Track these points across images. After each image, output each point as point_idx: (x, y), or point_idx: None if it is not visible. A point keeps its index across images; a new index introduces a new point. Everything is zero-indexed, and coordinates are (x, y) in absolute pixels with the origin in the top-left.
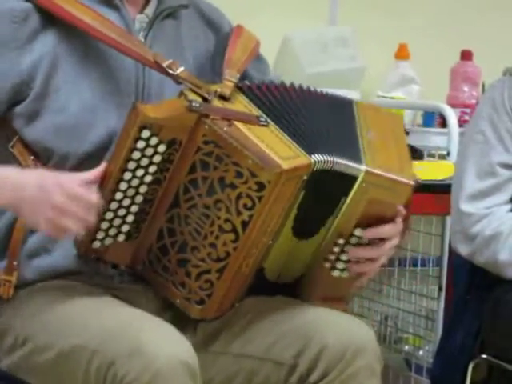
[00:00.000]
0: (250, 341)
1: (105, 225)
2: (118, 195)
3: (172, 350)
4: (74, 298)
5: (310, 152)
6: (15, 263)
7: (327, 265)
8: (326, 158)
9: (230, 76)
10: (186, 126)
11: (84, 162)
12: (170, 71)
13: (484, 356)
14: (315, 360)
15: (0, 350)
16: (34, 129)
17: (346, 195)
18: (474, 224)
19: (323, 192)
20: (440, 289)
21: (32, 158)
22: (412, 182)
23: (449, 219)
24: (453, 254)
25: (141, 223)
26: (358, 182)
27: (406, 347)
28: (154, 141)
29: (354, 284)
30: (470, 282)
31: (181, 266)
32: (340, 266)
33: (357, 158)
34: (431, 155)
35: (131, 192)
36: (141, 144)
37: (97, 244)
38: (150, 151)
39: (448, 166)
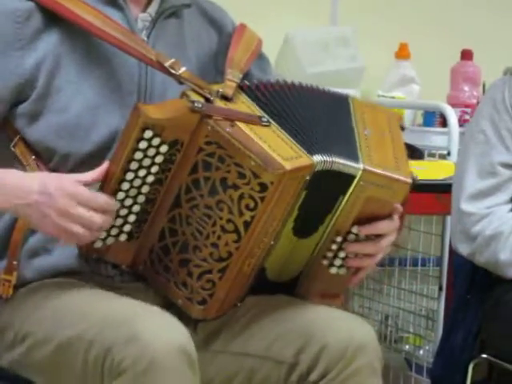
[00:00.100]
0: (251, 339)
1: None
2: (120, 195)
3: (169, 336)
4: (71, 291)
5: (312, 152)
6: (15, 263)
7: (325, 262)
8: (327, 159)
9: (233, 76)
10: (189, 127)
11: (85, 162)
12: (173, 71)
13: (484, 356)
14: (316, 358)
15: (1, 346)
16: (36, 128)
17: (344, 194)
18: (474, 224)
19: (322, 191)
20: (440, 288)
21: (33, 157)
22: (409, 180)
23: (449, 219)
24: (453, 253)
25: (142, 223)
26: (355, 181)
27: (407, 347)
28: (156, 141)
29: (351, 280)
30: (471, 281)
31: (182, 265)
32: (337, 262)
33: (354, 156)
34: (431, 155)
35: (133, 192)
36: (143, 144)
37: (98, 244)
38: (152, 151)
39: (448, 165)
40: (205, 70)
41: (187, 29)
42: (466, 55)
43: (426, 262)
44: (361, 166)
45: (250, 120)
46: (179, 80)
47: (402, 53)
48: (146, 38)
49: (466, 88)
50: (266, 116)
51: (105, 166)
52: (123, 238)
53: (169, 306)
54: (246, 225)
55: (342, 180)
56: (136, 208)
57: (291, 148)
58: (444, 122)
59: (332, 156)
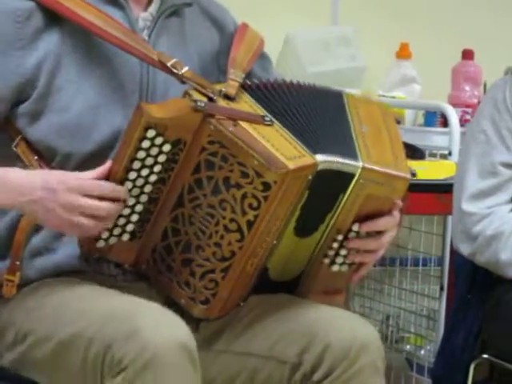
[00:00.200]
0: (253, 339)
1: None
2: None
3: (170, 332)
4: (71, 288)
5: (314, 151)
6: (18, 263)
7: (326, 261)
8: (328, 158)
9: (235, 75)
10: (191, 126)
11: (88, 162)
12: (175, 70)
13: (485, 356)
14: (319, 358)
15: (1, 346)
16: (38, 128)
17: (344, 192)
18: (475, 224)
19: (322, 190)
20: (441, 288)
21: (35, 157)
22: (408, 176)
23: (450, 219)
24: (454, 253)
25: (145, 223)
26: (355, 179)
27: (408, 347)
28: (158, 140)
29: (353, 276)
30: (472, 281)
31: (185, 265)
32: (339, 260)
33: (353, 154)
34: (433, 155)
35: (136, 191)
36: (146, 143)
37: (101, 243)
38: (154, 151)
39: (449, 165)
40: (207, 68)
41: (188, 27)
42: (467, 55)
43: (427, 262)
44: (360, 164)
45: (252, 119)
46: (181, 79)
47: (403, 52)
48: (147, 38)
49: (467, 88)
50: (268, 115)
51: (107, 165)
52: (126, 237)
53: (171, 305)
54: (249, 224)
55: (342, 179)
56: (139, 207)
57: (294, 147)
58: (445, 122)
59: (333, 155)
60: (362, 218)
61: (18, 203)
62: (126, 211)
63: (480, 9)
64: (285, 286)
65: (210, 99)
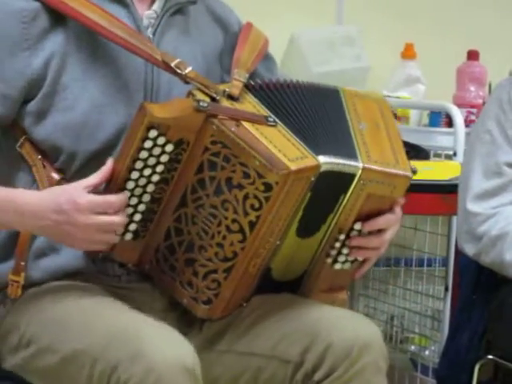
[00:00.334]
0: (256, 339)
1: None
2: (126, 194)
3: (174, 354)
4: (76, 298)
5: (317, 152)
6: (23, 264)
7: (329, 260)
8: (331, 159)
9: (239, 75)
10: (194, 126)
11: (92, 161)
12: (178, 71)
13: (490, 356)
14: (321, 357)
15: (5, 348)
16: (43, 127)
17: (345, 193)
18: (480, 224)
19: (325, 191)
20: (446, 289)
21: (39, 157)
22: (409, 174)
23: (455, 219)
24: (459, 253)
25: (148, 222)
26: (355, 180)
27: (412, 347)
28: (161, 140)
29: (356, 273)
30: (476, 282)
31: (188, 265)
32: (341, 259)
33: (353, 154)
34: (437, 155)
35: (138, 191)
36: (148, 143)
37: None
38: (157, 151)
39: (454, 165)
40: (211, 67)
41: (193, 25)
42: (472, 55)
43: (431, 263)
44: (360, 164)
45: (255, 120)
46: (185, 80)
47: (408, 53)
48: (151, 36)
49: (472, 88)
50: (272, 116)
51: (109, 165)
52: (129, 236)
53: (175, 305)
54: (251, 225)
55: (343, 180)
56: (141, 207)
57: (297, 148)
58: (450, 123)
59: (334, 156)
60: (364, 217)
61: (31, 227)
62: (129, 210)
63: (485, 9)
64: (287, 286)
65: (213, 99)
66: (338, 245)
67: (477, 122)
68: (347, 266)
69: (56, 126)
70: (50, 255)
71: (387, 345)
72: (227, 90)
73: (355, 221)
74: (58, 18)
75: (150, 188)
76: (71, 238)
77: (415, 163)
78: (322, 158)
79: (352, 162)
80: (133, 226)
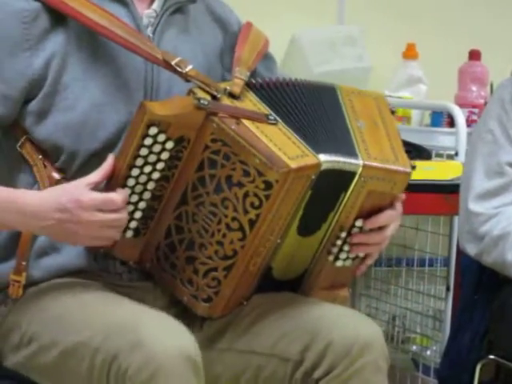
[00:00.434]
0: (256, 337)
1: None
2: (127, 191)
3: (174, 343)
4: (77, 293)
5: (317, 151)
6: (24, 263)
7: (330, 258)
8: (332, 158)
9: (240, 74)
10: (194, 124)
11: (93, 160)
12: (179, 69)
13: (492, 357)
14: (321, 355)
15: (6, 347)
16: (44, 127)
17: (346, 191)
18: (482, 224)
19: (326, 190)
20: (448, 289)
21: (40, 157)
22: (409, 170)
23: (457, 219)
24: (461, 253)
25: (149, 220)
26: (356, 177)
27: (414, 347)
28: (161, 138)
29: (357, 269)
30: (478, 282)
31: (188, 263)
32: (343, 256)
33: (352, 152)
34: (439, 155)
35: (139, 188)
36: (148, 141)
37: None
38: (157, 148)
39: (456, 165)
40: (212, 66)
41: (193, 24)
42: (474, 55)
43: (433, 263)
44: (360, 162)
45: (256, 118)
46: (186, 78)
47: (410, 53)
48: (151, 35)
49: (474, 88)
50: (273, 114)
51: (109, 162)
52: (129, 234)
53: (176, 304)
54: (251, 223)
55: (343, 177)
56: (142, 204)
57: (298, 147)
58: (451, 123)
59: (335, 155)
60: (365, 214)
61: (33, 227)
62: (130, 208)
63: (487, 9)
64: (288, 285)
65: (214, 97)
66: (339, 242)
67: (479, 122)
68: (348, 262)
69: (57, 126)
70: (51, 254)
71: (389, 345)
72: (228, 88)
73: (356, 218)
74: (59, 18)
75: (151, 185)
76: (74, 236)
77: (417, 163)
78: (322, 157)
79: (352, 160)
80: (133, 224)
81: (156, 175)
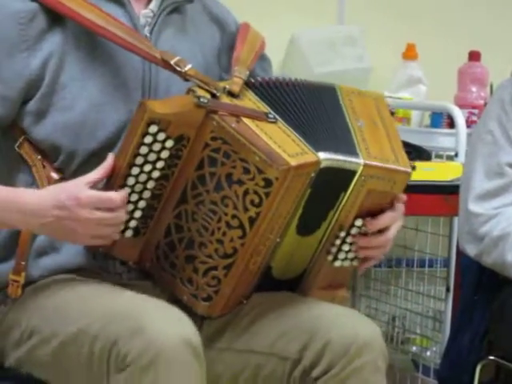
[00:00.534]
0: (255, 337)
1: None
2: (126, 190)
3: (174, 328)
4: (75, 286)
5: (317, 149)
6: (23, 263)
7: (329, 257)
8: (331, 156)
9: (239, 73)
10: (194, 122)
11: (91, 160)
12: (178, 68)
13: (492, 357)
14: (319, 354)
15: (7, 345)
16: (43, 127)
17: (346, 189)
18: (482, 224)
19: (325, 188)
20: (448, 290)
21: (39, 157)
22: (409, 170)
23: (456, 220)
24: (461, 254)
25: (148, 219)
26: (356, 176)
27: (414, 348)
28: (161, 136)
29: (359, 268)
30: (478, 282)
31: (188, 262)
32: (341, 256)
33: (353, 151)
34: (439, 156)
35: (139, 187)
36: (148, 139)
37: None
38: (157, 146)
39: (456, 166)
40: (209, 65)
41: (190, 24)
42: (474, 56)
43: (433, 263)
44: (361, 161)
45: (255, 116)
46: (185, 77)
47: (410, 53)
48: (148, 34)
49: (474, 89)
50: (272, 112)
51: (109, 161)
52: (129, 233)
53: (175, 303)
54: (251, 221)
55: (343, 176)
56: (142, 204)
57: (297, 145)
58: (451, 123)
59: (334, 153)
60: (364, 213)
61: (32, 225)
62: (129, 207)
63: (487, 10)
64: (287, 285)
65: (214, 96)
66: (338, 242)
67: (478, 123)
68: (347, 263)
69: (55, 126)
70: (50, 254)
71: (389, 346)
72: (227, 86)
73: (356, 217)
74: (56, 18)
75: (151, 184)
76: (73, 234)
77: (417, 164)
78: (321, 155)
79: (353, 159)
80: (133, 223)
81: (156, 174)
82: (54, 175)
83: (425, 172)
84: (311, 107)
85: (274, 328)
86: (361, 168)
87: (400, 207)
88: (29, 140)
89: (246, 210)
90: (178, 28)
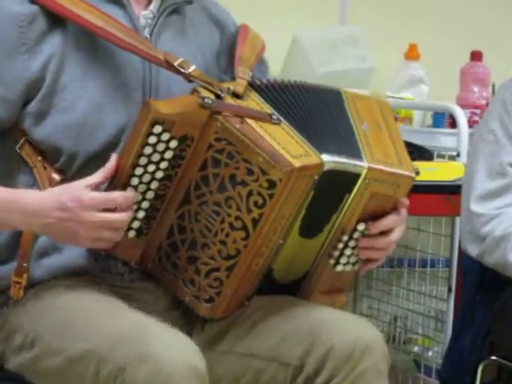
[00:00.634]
0: (256, 341)
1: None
2: (129, 190)
3: (182, 356)
4: (81, 298)
5: (320, 151)
6: (25, 265)
7: (331, 261)
8: (335, 158)
9: (243, 73)
10: (198, 123)
11: (92, 161)
12: (182, 70)
13: (493, 357)
14: (322, 361)
15: (8, 348)
16: (43, 128)
17: (350, 192)
18: (484, 224)
19: (328, 191)
20: (449, 290)
21: (40, 158)
22: (413, 174)
23: (458, 220)
24: (462, 254)
25: (151, 220)
26: (360, 179)
27: (415, 348)
28: (165, 136)
29: (360, 270)
30: (480, 282)
31: (190, 263)
32: (343, 260)
33: (357, 154)
34: (441, 156)
35: (142, 188)
36: (152, 139)
37: None
38: (161, 147)
39: (458, 166)
40: (209, 67)
41: (189, 25)
42: (476, 56)
43: (435, 263)
44: (365, 164)
45: (259, 117)
46: (189, 79)
47: (412, 53)
48: (148, 36)
49: (476, 89)
50: (276, 114)
51: (112, 162)
52: (132, 234)
53: (177, 305)
54: (255, 222)
55: (347, 179)
56: (145, 204)
57: (301, 146)
58: (453, 123)
59: (339, 155)
60: (367, 217)
61: (34, 226)
62: (133, 207)
63: (489, 10)
64: (288, 288)
65: (218, 96)
66: (340, 246)
67: (480, 123)
68: (348, 267)
69: (56, 127)
70: (52, 254)
71: (390, 346)
72: (231, 87)
73: (358, 221)
74: (56, 20)
75: (154, 185)
76: (75, 235)
77: (418, 164)
78: (325, 157)
79: (357, 162)
80: (136, 224)
81: (159, 174)
82: (56, 176)
83: (427, 172)
84: (315, 109)
85: (275, 332)
86: (365, 171)
87: (403, 212)
88: (30, 141)
89: (249, 211)
90: (178, 29)
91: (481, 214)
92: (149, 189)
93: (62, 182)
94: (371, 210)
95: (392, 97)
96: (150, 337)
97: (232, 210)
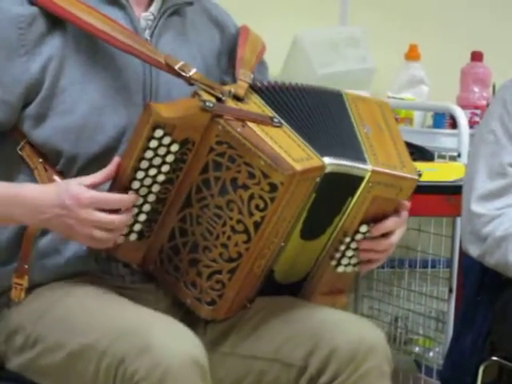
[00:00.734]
0: (259, 342)
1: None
2: (131, 193)
3: (182, 347)
4: (81, 295)
5: (322, 154)
6: (26, 266)
7: (333, 262)
8: (337, 161)
9: (244, 76)
10: (200, 126)
11: (92, 163)
12: (183, 73)
13: (494, 358)
14: (325, 362)
15: (10, 349)
16: (43, 131)
17: (353, 195)
18: (484, 225)
19: (331, 193)
20: (450, 290)
21: (40, 160)
22: (416, 177)
23: (459, 220)
24: (463, 255)
25: (153, 223)
26: (364, 182)
27: (416, 349)
28: (166, 140)
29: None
30: (481, 283)
31: (192, 265)
32: (345, 261)
33: (361, 157)
34: (441, 156)
35: (144, 191)
36: (153, 143)
37: None
38: (162, 150)
39: (458, 167)
40: (209, 68)
41: (190, 26)
42: (476, 56)
43: (435, 264)
44: (369, 167)
45: (261, 120)
46: (189, 82)
47: (412, 54)
48: (148, 37)
49: (476, 89)
50: (277, 117)
51: (114, 163)
52: (133, 237)
53: (179, 306)
54: (256, 225)
55: (351, 182)
56: (146, 207)
57: (303, 149)
58: (454, 124)
59: (341, 158)
60: (369, 219)
61: (36, 220)
62: (134, 210)
63: (489, 10)
64: (289, 289)
65: (219, 100)
66: (342, 247)
67: (481, 123)
68: (349, 269)
69: (55, 130)
70: (53, 256)
71: (391, 346)
72: (232, 90)
73: (360, 223)
74: (56, 22)
75: (156, 188)
76: (71, 230)
77: (419, 165)
78: (327, 160)
79: (360, 165)
80: (137, 227)
81: (161, 178)
82: (57, 178)
83: (427, 172)
84: (317, 112)
85: (278, 333)
86: (369, 174)
87: (404, 213)
88: (30, 143)
89: (251, 214)
90: (178, 31)
91: (481, 215)
92: (150, 192)
93: None
94: (373, 213)
95: (392, 97)
96: (150, 329)
97: (233, 213)
